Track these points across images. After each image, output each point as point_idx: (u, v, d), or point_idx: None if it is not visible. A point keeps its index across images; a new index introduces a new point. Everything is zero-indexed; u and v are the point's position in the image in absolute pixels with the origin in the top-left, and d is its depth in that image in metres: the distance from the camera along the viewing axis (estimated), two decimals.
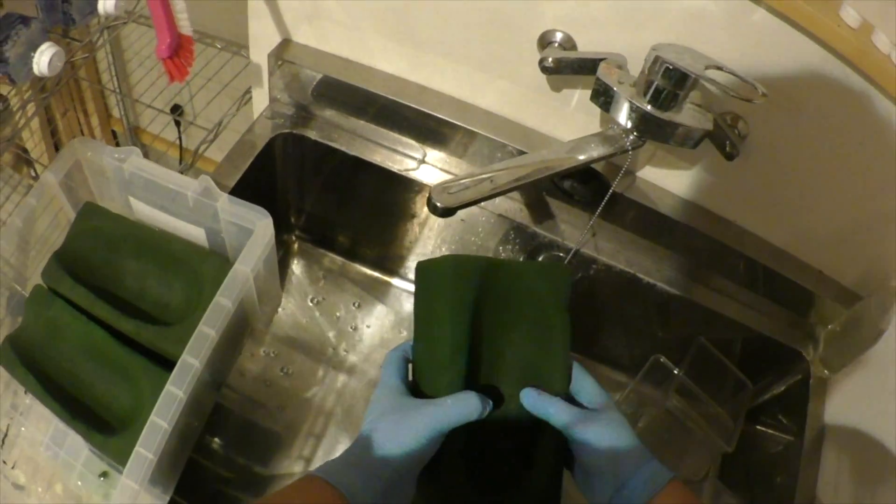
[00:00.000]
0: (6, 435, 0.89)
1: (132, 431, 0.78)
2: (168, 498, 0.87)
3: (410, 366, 0.76)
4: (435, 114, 1.07)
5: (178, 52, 0.93)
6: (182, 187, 0.87)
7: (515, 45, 0.97)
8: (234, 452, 1.10)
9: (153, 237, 0.92)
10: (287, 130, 1.15)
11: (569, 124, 1.05)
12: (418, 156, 1.14)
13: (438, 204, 0.79)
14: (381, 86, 1.10)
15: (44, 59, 0.87)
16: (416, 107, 1.08)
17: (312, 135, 1.15)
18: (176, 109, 1.94)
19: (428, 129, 1.11)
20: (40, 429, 0.89)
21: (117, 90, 1.93)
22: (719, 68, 0.78)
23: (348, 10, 1.05)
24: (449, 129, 1.09)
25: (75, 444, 0.89)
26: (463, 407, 0.66)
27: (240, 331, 1.02)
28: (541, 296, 0.76)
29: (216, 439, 1.11)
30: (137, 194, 0.92)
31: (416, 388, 0.73)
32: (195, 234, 0.91)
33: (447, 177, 1.05)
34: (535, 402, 0.71)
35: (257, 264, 0.84)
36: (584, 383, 0.74)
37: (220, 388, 1.10)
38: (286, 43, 1.15)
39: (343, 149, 1.14)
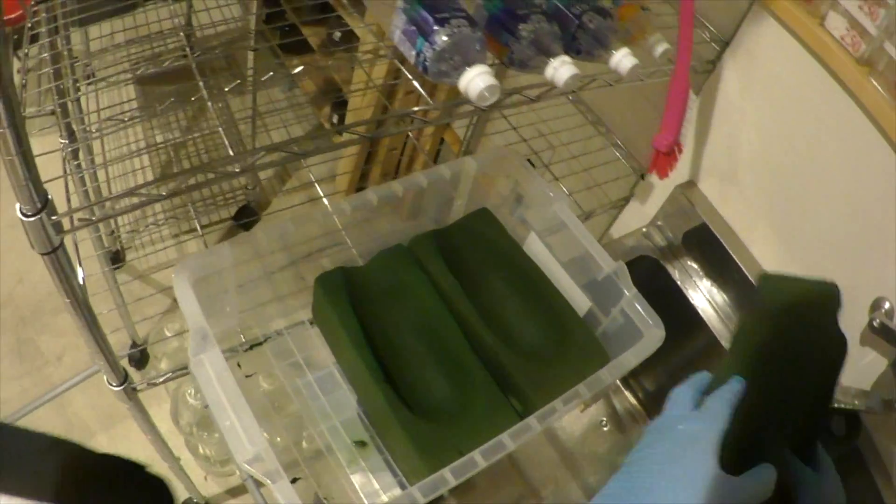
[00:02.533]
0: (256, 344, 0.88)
1: (442, 429, 0.75)
2: None
3: None
4: None
5: (669, 152, 0.94)
6: (601, 260, 0.86)
7: (855, 293, 0.92)
8: None
9: (534, 273, 0.89)
10: (654, 257, 1.13)
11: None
12: None
13: None
14: (748, 264, 1.08)
15: (475, 83, 0.70)
16: None
17: (675, 275, 1.12)
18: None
19: None
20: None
21: None
22: None
23: (756, 190, 1.05)
24: None
25: (341, 401, 0.85)
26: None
27: None
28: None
29: None
30: (540, 232, 0.91)
31: None
32: (578, 299, 0.88)
33: None
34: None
35: (627, 369, 0.81)
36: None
37: None
38: (690, 184, 1.15)
39: (695, 304, 1.11)
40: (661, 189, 1.22)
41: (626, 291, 0.85)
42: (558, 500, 1.18)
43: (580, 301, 0.88)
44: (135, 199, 0.68)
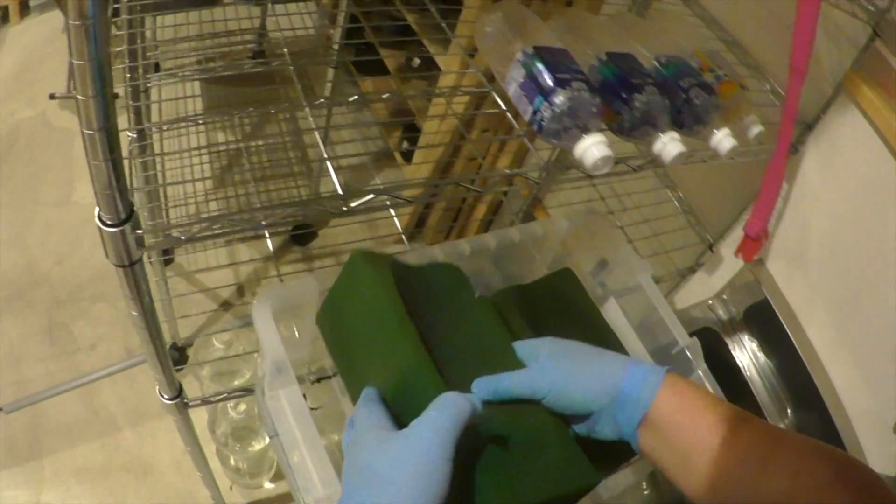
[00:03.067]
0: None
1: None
2: None
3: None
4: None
5: (757, 238, 0.95)
6: (678, 334, 0.87)
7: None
8: None
9: (610, 339, 0.89)
10: (717, 330, 1.14)
11: None
12: None
13: None
14: (802, 345, 1.09)
15: (591, 153, 0.69)
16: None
17: (733, 349, 1.13)
18: None
19: None
20: None
21: None
22: None
23: (819, 274, 1.06)
24: None
25: None
26: (452, 409, 0.54)
27: None
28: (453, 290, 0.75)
29: None
30: (619, 298, 0.92)
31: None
32: None
33: None
34: (488, 385, 0.64)
35: None
36: (523, 347, 0.69)
37: None
38: (759, 262, 1.15)
39: (748, 378, 1.11)
40: (728, 263, 1.22)
41: (697, 368, 0.85)
42: None
43: None
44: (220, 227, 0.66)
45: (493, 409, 0.63)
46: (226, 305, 1.89)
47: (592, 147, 0.70)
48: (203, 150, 1.88)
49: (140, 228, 0.62)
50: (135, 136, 1.16)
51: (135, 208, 0.61)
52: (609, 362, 0.64)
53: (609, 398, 0.61)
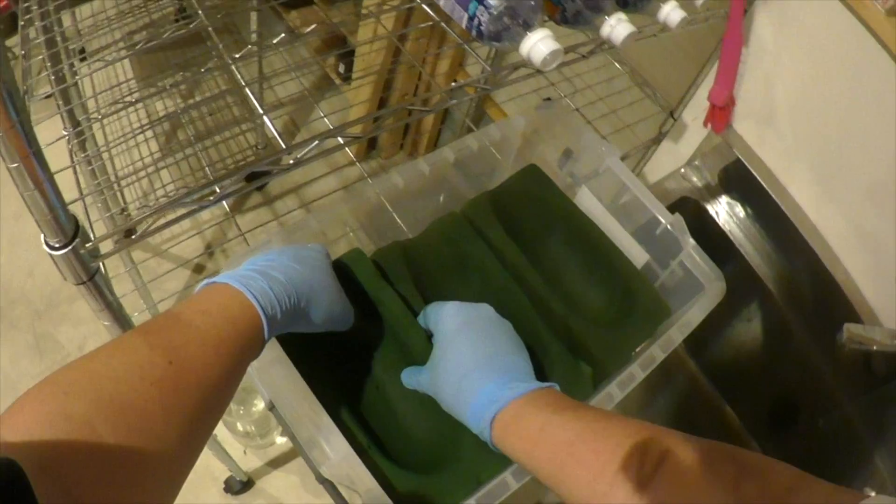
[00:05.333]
0: None
1: None
2: None
3: None
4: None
5: (724, 106, 0.92)
6: (658, 212, 0.85)
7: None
8: None
9: (591, 230, 0.87)
10: (695, 198, 1.12)
11: None
12: None
13: None
14: (787, 202, 1.07)
15: (539, 49, 0.66)
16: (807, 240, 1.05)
17: (715, 216, 1.12)
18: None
19: None
20: None
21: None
22: None
23: (794, 134, 1.03)
24: None
25: None
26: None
27: None
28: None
29: None
30: (593, 188, 0.90)
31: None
32: (635, 253, 0.87)
33: None
34: (408, 379, 0.70)
35: (695, 325, 0.80)
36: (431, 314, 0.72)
37: None
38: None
39: (736, 244, 1.10)
40: (694, 129, 1.20)
41: (684, 244, 0.84)
42: None
43: (637, 255, 0.87)
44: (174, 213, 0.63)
45: None
46: (199, 270, 1.85)
47: (539, 44, 0.66)
48: (146, 126, 1.82)
49: (90, 241, 0.59)
50: (72, 132, 1.11)
51: (81, 221, 0.59)
52: (470, 381, 0.62)
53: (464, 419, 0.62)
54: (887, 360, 0.97)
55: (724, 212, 1.14)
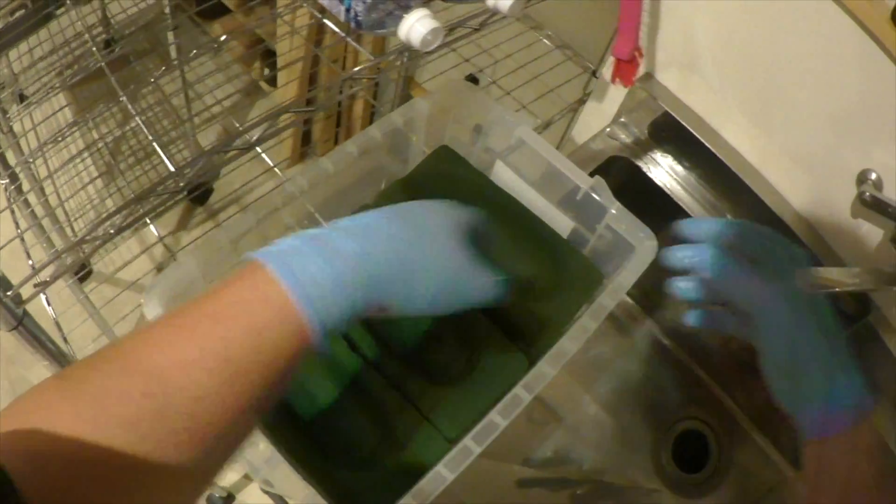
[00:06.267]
0: None
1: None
2: None
3: None
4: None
5: (630, 60, 0.90)
6: (577, 178, 0.82)
7: (840, 168, 0.91)
8: None
9: (511, 204, 0.85)
10: (625, 156, 1.10)
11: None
12: None
13: None
14: (722, 149, 1.04)
15: (416, 30, 0.65)
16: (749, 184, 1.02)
17: (648, 170, 1.10)
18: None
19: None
20: None
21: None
22: None
23: (721, 76, 1.01)
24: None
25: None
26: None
27: None
28: None
29: None
30: (505, 158, 0.87)
31: None
32: (559, 221, 0.85)
33: None
34: None
35: (627, 288, 0.78)
36: None
37: None
38: (647, 76, 1.10)
39: (675, 198, 1.08)
40: (618, 87, 1.17)
41: (609, 207, 0.81)
42: (576, 415, 1.19)
43: (562, 223, 0.85)
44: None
45: None
46: None
47: (416, 24, 0.64)
48: (85, 155, 1.79)
49: (10, 289, 0.59)
50: (6, 181, 1.10)
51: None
52: None
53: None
54: (855, 299, 0.96)
55: (659, 167, 1.12)
